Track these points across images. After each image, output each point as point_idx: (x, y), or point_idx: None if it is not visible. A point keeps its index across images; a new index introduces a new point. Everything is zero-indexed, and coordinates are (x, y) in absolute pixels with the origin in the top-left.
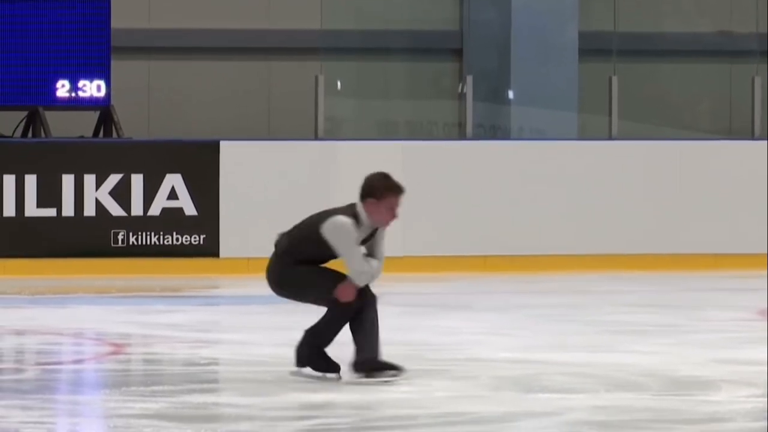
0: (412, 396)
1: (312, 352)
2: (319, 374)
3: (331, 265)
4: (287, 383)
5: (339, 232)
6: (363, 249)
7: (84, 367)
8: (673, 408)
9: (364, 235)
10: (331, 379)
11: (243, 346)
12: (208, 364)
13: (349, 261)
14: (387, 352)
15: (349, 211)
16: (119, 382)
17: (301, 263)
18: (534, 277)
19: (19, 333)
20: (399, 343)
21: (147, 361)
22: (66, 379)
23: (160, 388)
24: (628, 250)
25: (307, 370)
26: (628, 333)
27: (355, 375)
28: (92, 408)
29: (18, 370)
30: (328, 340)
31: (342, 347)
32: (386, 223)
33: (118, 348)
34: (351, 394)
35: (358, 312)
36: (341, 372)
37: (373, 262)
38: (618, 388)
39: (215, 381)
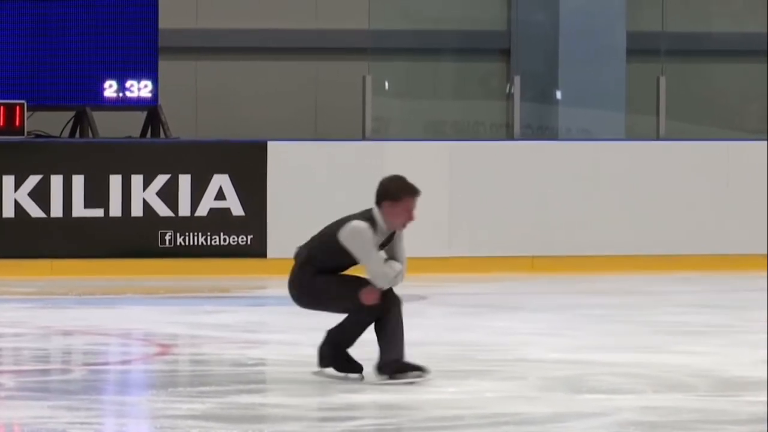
0: (460, 396)
1: (335, 353)
2: (342, 375)
3: (352, 272)
4: (334, 384)
5: (356, 236)
6: (382, 253)
7: (131, 368)
8: (721, 409)
9: (381, 239)
10: (355, 380)
11: (290, 346)
12: (256, 365)
13: (368, 265)
14: (435, 352)
15: (365, 215)
16: (166, 382)
17: (321, 273)
18: (581, 278)
19: (67, 333)
20: (447, 344)
21: (194, 362)
22: (113, 379)
23: (208, 388)
24: (676, 250)
25: (329, 370)
26: (677, 333)
27: (379, 377)
28: (139, 408)
29: (65, 371)
30: (351, 341)
31: (363, 347)
32: (403, 225)
33: (165, 348)
34: (398, 394)
35: (382, 314)
36: (363, 372)
37: (396, 265)
38: (667, 389)
39: (263, 382)
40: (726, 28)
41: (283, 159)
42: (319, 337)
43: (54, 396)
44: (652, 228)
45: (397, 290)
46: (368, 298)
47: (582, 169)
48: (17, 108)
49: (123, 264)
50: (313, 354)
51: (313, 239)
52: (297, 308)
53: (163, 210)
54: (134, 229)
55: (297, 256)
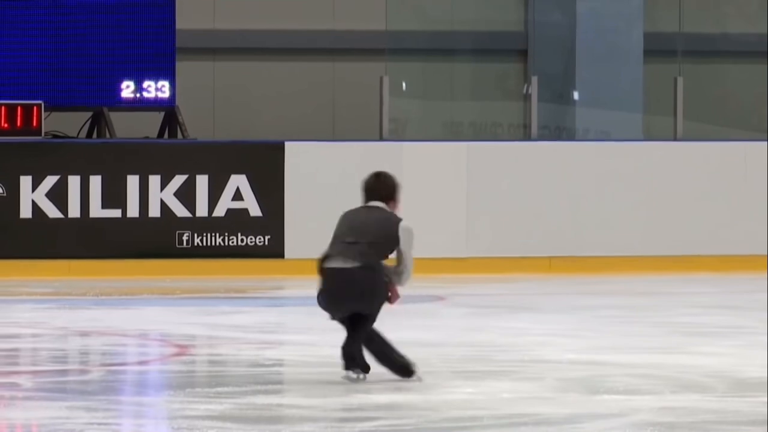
0: (476, 397)
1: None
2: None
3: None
4: (351, 384)
5: (412, 235)
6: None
7: (148, 369)
8: (737, 409)
9: None
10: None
11: (308, 347)
12: (273, 365)
13: (410, 263)
14: (452, 352)
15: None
16: (184, 383)
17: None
18: (599, 279)
19: (84, 334)
20: (464, 345)
21: (211, 362)
22: (131, 380)
23: (225, 389)
24: (693, 251)
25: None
26: (694, 334)
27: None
28: (156, 409)
29: (83, 371)
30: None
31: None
32: None
33: (182, 349)
34: (415, 395)
35: None
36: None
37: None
38: (684, 390)
39: (280, 382)
40: (742, 29)
41: (301, 159)
42: (337, 338)
43: (72, 396)
44: (670, 229)
45: (416, 290)
46: (395, 299)
47: (599, 170)
48: (35, 108)
49: (140, 264)
50: (330, 355)
51: (363, 243)
52: (314, 309)
53: (180, 210)
54: (151, 230)
55: (352, 258)
